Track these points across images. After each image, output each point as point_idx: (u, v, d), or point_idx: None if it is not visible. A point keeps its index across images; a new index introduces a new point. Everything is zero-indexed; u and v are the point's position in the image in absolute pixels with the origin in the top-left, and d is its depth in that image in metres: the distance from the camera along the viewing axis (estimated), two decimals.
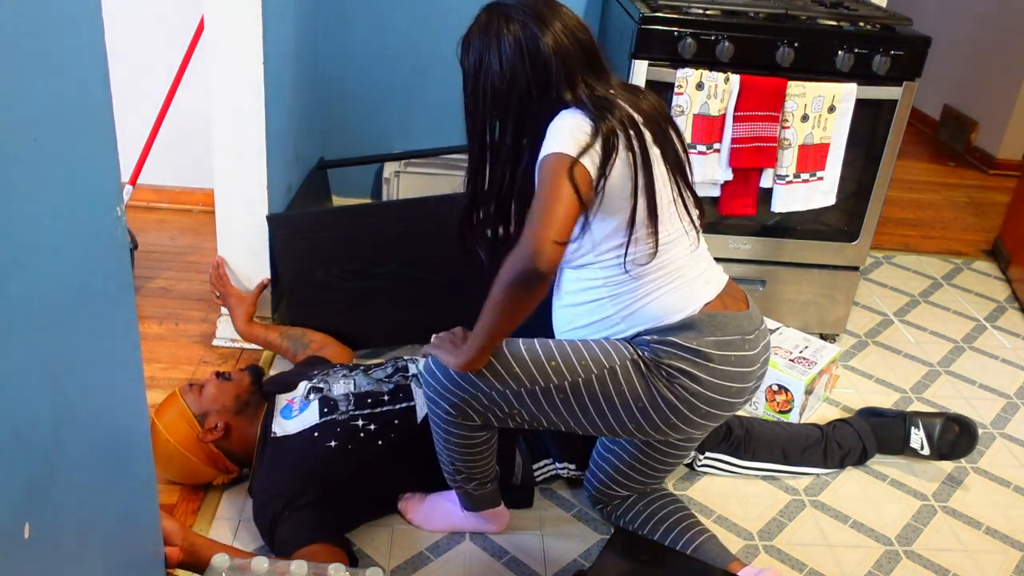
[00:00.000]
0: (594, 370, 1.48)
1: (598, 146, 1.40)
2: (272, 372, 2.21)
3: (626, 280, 1.50)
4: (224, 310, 2.31)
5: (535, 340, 1.51)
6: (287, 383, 1.90)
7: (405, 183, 2.84)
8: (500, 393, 1.48)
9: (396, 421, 1.76)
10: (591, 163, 1.39)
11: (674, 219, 1.51)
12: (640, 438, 1.60)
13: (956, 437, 2.00)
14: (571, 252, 1.51)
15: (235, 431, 1.77)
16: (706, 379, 1.49)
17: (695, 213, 1.56)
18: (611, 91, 1.50)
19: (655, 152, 1.48)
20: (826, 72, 2.22)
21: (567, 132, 1.41)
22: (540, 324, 1.59)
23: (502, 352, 1.47)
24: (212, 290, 2.27)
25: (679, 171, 1.53)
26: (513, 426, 1.56)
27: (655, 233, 1.47)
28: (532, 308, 1.41)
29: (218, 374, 1.85)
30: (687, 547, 1.66)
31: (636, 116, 1.48)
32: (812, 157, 2.26)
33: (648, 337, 1.51)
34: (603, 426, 1.53)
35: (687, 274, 1.53)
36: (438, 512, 1.77)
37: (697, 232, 1.58)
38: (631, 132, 1.43)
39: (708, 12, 2.23)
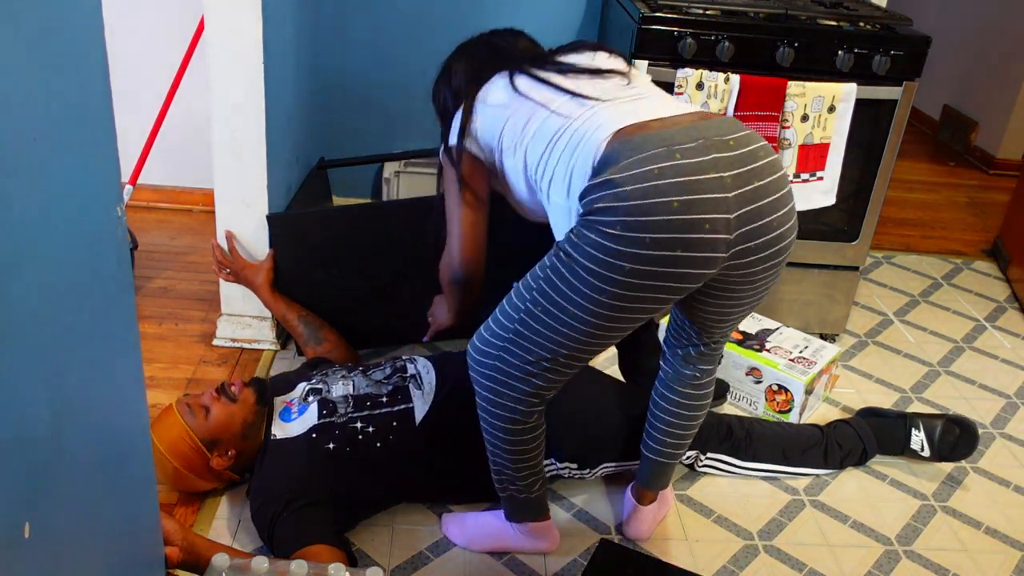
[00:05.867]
0: (539, 275, 1.42)
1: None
2: (272, 373, 2.22)
3: (539, 162, 1.48)
4: (224, 308, 2.31)
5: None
6: (286, 384, 1.90)
7: (405, 183, 2.85)
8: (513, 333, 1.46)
9: (394, 423, 1.76)
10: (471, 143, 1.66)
11: (544, 93, 1.52)
12: (642, 315, 1.40)
13: (956, 439, 2.00)
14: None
15: (245, 454, 1.77)
16: (622, 206, 1.29)
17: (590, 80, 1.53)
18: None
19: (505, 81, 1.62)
20: (826, 72, 2.22)
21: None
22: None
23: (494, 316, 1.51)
24: (218, 270, 2.21)
25: (541, 65, 1.59)
26: (554, 377, 1.48)
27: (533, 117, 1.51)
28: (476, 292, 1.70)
29: (219, 390, 1.77)
30: None
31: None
32: (812, 157, 2.26)
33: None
34: (595, 325, 1.39)
35: (597, 119, 1.42)
36: (485, 530, 1.74)
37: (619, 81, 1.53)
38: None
39: (708, 12, 2.23)
